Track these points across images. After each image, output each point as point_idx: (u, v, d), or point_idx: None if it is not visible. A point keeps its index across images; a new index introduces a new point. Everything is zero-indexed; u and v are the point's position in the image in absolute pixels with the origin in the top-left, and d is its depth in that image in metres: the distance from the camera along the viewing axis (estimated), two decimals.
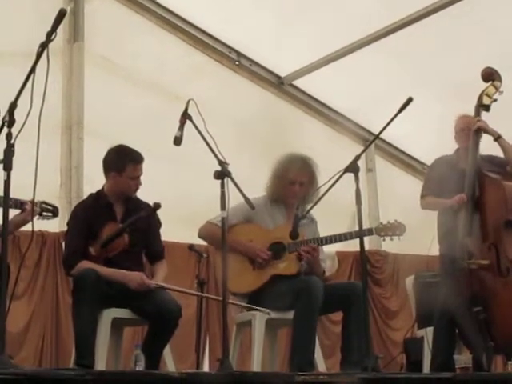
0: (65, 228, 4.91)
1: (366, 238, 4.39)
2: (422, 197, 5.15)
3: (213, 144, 3.99)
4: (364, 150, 4.55)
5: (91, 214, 4.76)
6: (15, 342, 6.01)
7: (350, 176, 4.13)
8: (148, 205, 4.82)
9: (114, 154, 4.81)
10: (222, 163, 3.97)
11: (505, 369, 4.93)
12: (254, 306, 4.84)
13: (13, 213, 3.92)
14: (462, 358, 4.27)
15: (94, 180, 5.06)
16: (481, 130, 4.86)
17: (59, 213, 4.40)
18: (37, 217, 3.99)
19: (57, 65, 6.27)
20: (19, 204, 3.92)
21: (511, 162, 4.88)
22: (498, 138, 4.88)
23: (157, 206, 4.77)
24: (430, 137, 6.51)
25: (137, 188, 4.81)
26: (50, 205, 4.23)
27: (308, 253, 4.88)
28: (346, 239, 4.91)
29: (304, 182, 5.07)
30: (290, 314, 4.77)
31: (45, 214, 4.18)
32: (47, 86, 3.17)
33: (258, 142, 6.72)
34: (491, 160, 4.97)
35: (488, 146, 4.98)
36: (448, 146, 5.25)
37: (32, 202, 3.74)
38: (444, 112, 5.49)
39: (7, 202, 3.22)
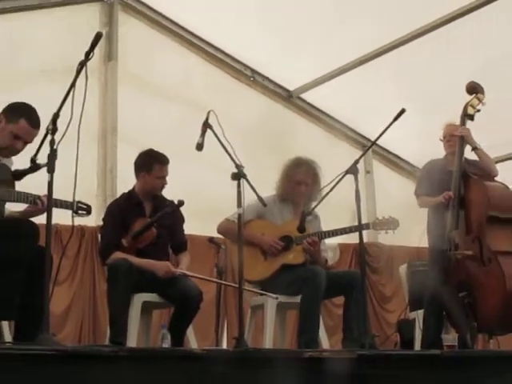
0: (101, 223, 4.92)
1: (364, 232, 4.37)
2: (418, 196, 5.12)
3: (230, 149, 3.98)
4: (363, 155, 4.55)
5: (123, 210, 4.77)
6: (58, 322, 6.04)
7: (350, 177, 4.13)
8: (173, 202, 4.83)
9: (143, 157, 4.84)
10: (238, 166, 3.96)
11: (486, 346, 4.91)
12: (264, 292, 4.85)
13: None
14: (449, 337, 4.26)
15: (127, 181, 5.06)
16: (463, 138, 4.83)
17: (92, 210, 4.38)
18: (72, 214, 3.98)
19: (94, 80, 6.27)
20: (34, 199, 3.92)
21: (487, 168, 4.86)
22: (474, 149, 4.87)
23: (180, 203, 4.79)
24: (419, 143, 6.50)
25: (163, 186, 4.82)
26: (85, 204, 4.22)
27: (310, 244, 4.89)
28: (346, 233, 4.90)
29: (309, 182, 5.06)
30: (298, 299, 4.77)
31: (80, 212, 4.17)
32: (85, 98, 3.17)
33: (269, 147, 6.71)
34: (475, 164, 4.95)
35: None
36: (434, 150, 5.23)
37: (73, 200, 3.75)
38: (431, 121, 5.47)
39: (51, 200, 3.22)
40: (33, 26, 6.26)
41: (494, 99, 4.85)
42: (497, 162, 5.16)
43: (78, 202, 4.07)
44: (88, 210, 4.27)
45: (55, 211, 3.45)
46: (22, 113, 3.94)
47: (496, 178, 4.88)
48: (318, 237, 4.94)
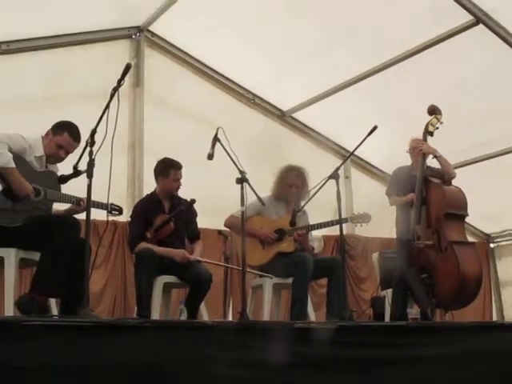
0: (130, 219, 4.92)
1: (343, 225, 4.37)
2: (388, 196, 5.12)
3: (235, 159, 3.99)
4: (343, 163, 4.56)
5: (147, 208, 4.77)
6: (95, 299, 6.03)
7: (332, 181, 4.13)
8: (187, 200, 4.83)
9: (161, 164, 4.84)
10: (241, 172, 3.98)
11: (443, 318, 4.91)
12: (263, 273, 4.85)
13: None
14: (413, 311, 4.25)
15: (151, 185, 5.06)
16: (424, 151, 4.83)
17: (123, 210, 4.38)
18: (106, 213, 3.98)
19: (124, 103, 6.13)
20: (76, 200, 3.94)
21: (446, 172, 4.87)
22: (436, 156, 4.87)
23: (193, 201, 4.80)
24: (388, 153, 6.50)
25: (178, 188, 4.82)
26: (117, 206, 4.23)
27: (299, 236, 4.90)
28: (329, 226, 4.92)
29: (299, 185, 5.07)
30: (290, 280, 4.77)
31: (113, 212, 4.18)
32: (117, 117, 3.18)
33: (266, 157, 6.70)
34: (435, 170, 4.95)
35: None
36: (400, 159, 5.23)
37: (107, 201, 3.75)
38: (398, 136, 5.47)
39: (89, 200, 3.23)
40: (77, 58, 6.29)
41: (453, 116, 4.85)
42: (456, 168, 5.15)
43: (112, 204, 4.07)
44: (120, 211, 4.28)
45: (93, 209, 3.46)
46: (66, 128, 3.97)
47: (453, 181, 4.88)
48: (306, 229, 4.95)
